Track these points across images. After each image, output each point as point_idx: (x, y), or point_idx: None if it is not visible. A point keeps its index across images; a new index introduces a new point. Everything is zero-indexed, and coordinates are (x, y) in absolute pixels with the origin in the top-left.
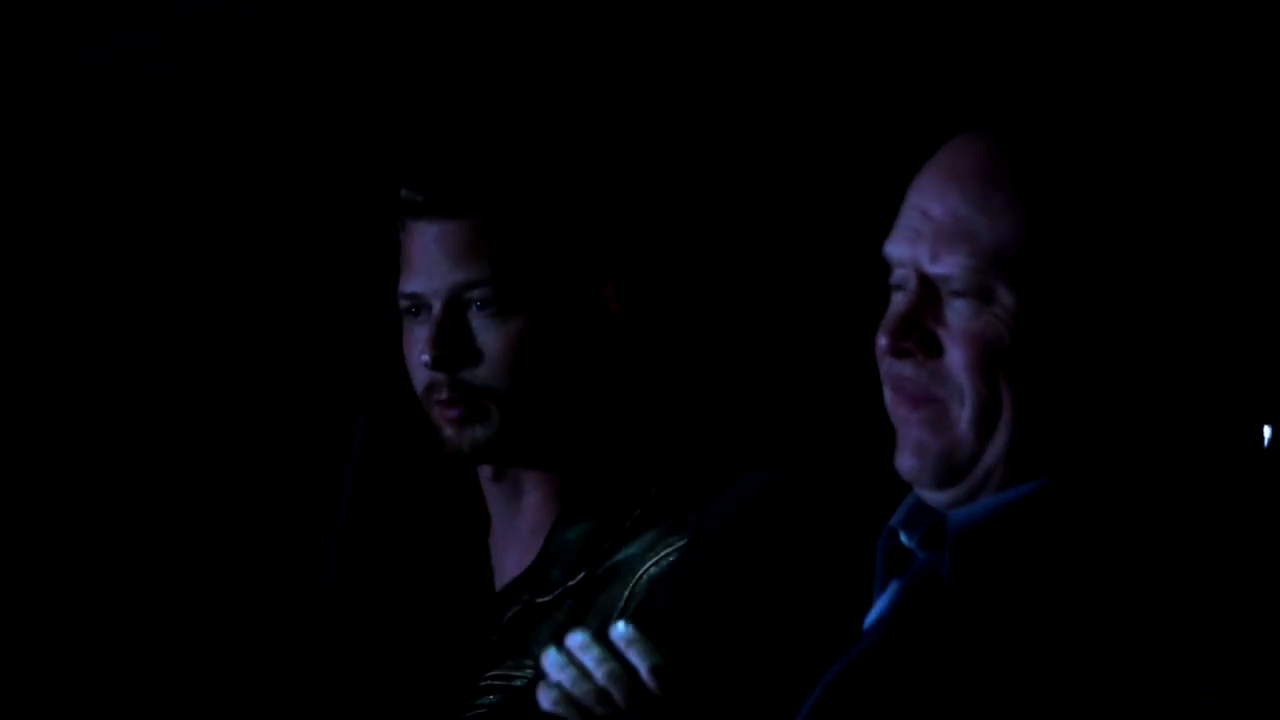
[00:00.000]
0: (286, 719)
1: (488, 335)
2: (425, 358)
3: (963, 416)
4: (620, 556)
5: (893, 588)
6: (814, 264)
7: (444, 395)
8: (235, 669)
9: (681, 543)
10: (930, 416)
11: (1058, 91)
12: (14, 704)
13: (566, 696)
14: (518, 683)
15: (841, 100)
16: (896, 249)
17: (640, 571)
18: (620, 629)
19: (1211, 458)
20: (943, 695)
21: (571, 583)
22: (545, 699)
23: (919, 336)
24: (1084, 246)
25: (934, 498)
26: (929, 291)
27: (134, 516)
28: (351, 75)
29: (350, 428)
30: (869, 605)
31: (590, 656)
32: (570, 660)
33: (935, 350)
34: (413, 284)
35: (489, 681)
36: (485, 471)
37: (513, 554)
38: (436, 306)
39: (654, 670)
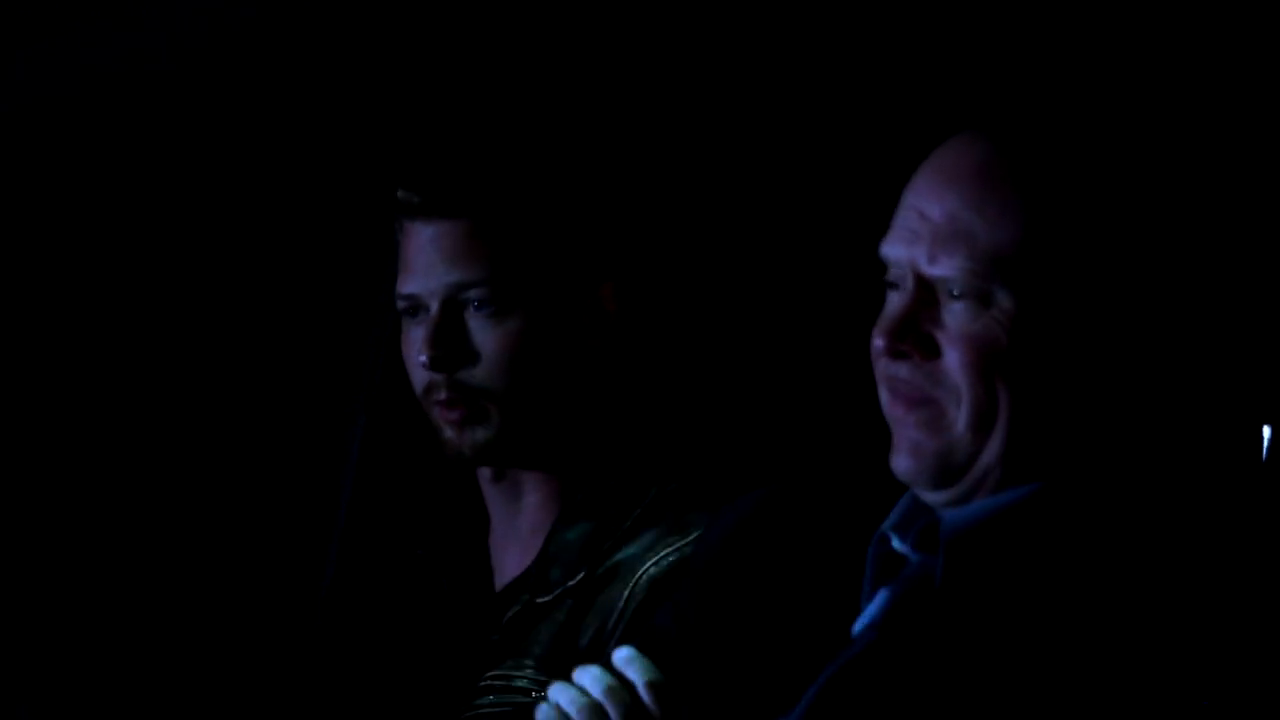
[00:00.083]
0: (286, 719)
1: (485, 335)
2: (422, 358)
3: (959, 418)
4: (620, 556)
5: (883, 593)
6: (811, 263)
7: (442, 395)
8: (235, 669)
9: (682, 542)
10: (926, 417)
11: (1056, 93)
12: (14, 704)
13: (563, 714)
14: (518, 683)
15: (839, 100)
16: (893, 250)
17: (640, 571)
18: (620, 652)
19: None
20: (936, 699)
21: (571, 583)
22: (541, 715)
23: (916, 338)
24: (1082, 249)
25: (930, 496)
26: (926, 293)
27: (134, 516)
28: (351, 75)
29: (350, 428)
30: (858, 613)
31: (589, 676)
32: (570, 684)
33: (932, 352)
34: (410, 285)
35: (489, 681)
36: (485, 472)
37: (513, 554)
38: (433, 307)
39: (650, 686)
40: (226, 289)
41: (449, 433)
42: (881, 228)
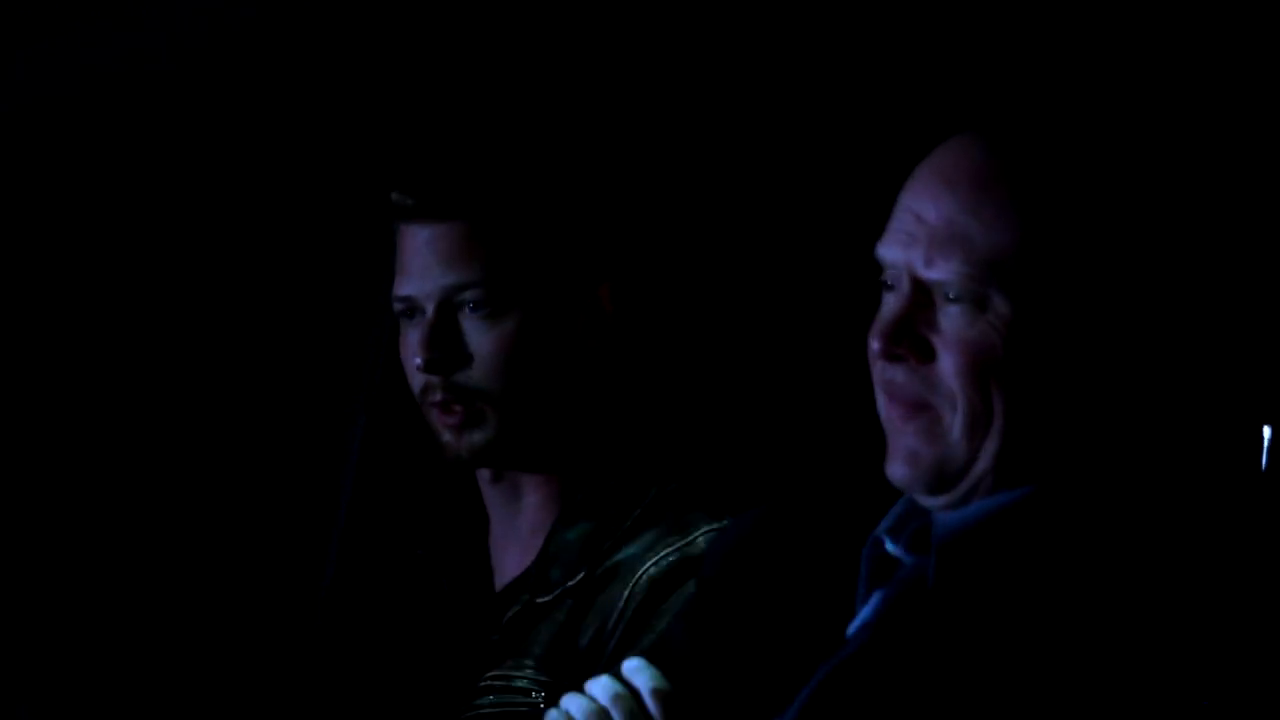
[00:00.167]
0: (286, 719)
1: (480, 337)
2: (418, 360)
3: (955, 425)
4: (620, 556)
5: (878, 595)
6: (809, 263)
7: (438, 397)
8: (235, 669)
9: (682, 542)
10: (924, 425)
11: (1053, 96)
12: (14, 704)
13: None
14: (518, 683)
15: (836, 102)
16: (890, 252)
17: (640, 571)
18: (630, 662)
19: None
20: (928, 699)
21: (571, 583)
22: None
23: (912, 341)
24: (1080, 254)
25: (926, 501)
26: (922, 295)
27: (134, 516)
28: (349, 76)
29: (350, 428)
30: (853, 616)
31: (598, 685)
32: (582, 693)
33: (928, 355)
34: (406, 287)
35: (489, 681)
36: (484, 473)
37: (512, 554)
38: (429, 309)
39: (654, 693)
40: (226, 289)
41: (447, 436)
42: (878, 229)
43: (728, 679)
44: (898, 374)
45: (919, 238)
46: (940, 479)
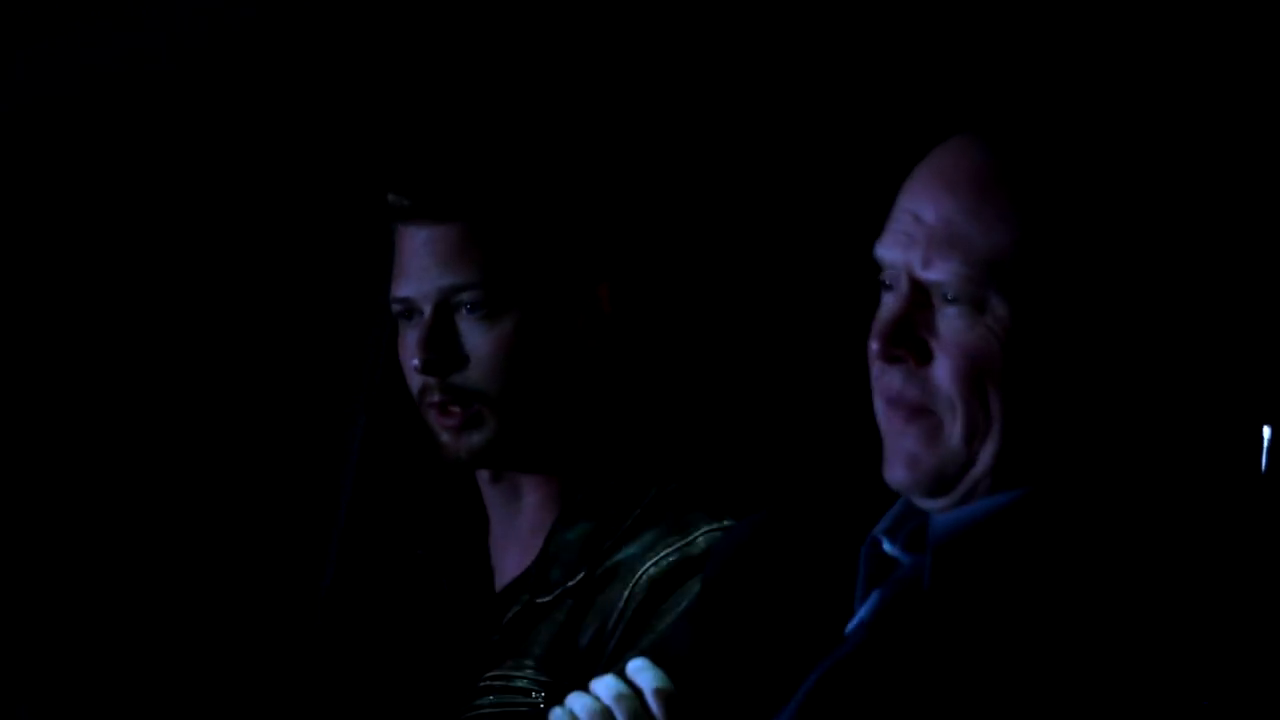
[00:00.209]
0: (286, 719)
1: (478, 338)
2: (416, 362)
3: (955, 431)
4: (620, 556)
5: (875, 594)
6: (807, 262)
7: (435, 398)
8: (235, 669)
9: (682, 542)
10: (924, 430)
11: (1053, 98)
12: (14, 704)
13: (574, 718)
14: (517, 683)
15: (834, 101)
16: (889, 252)
17: (640, 571)
18: (634, 662)
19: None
20: (922, 699)
21: (571, 583)
22: (554, 717)
23: (910, 343)
24: (1079, 257)
25: (924, 504)
26: (920, 296)
27: (134, 516)
28: (350, 76)
29: (350, 428)
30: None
31: (603, 684)
32: (586, 691)
33: (926, 358)
34: (403, 288)
35: (489, 681)
36: (484, 473)
37: (512, 554)
38: (427, 310)
39: (657, 693)
40: (226, 290)
41: (445, 437)
42: (877, 229)
43: (730, 679)
44: (896, 378)
45: (917, 238)
46: (939, 482)
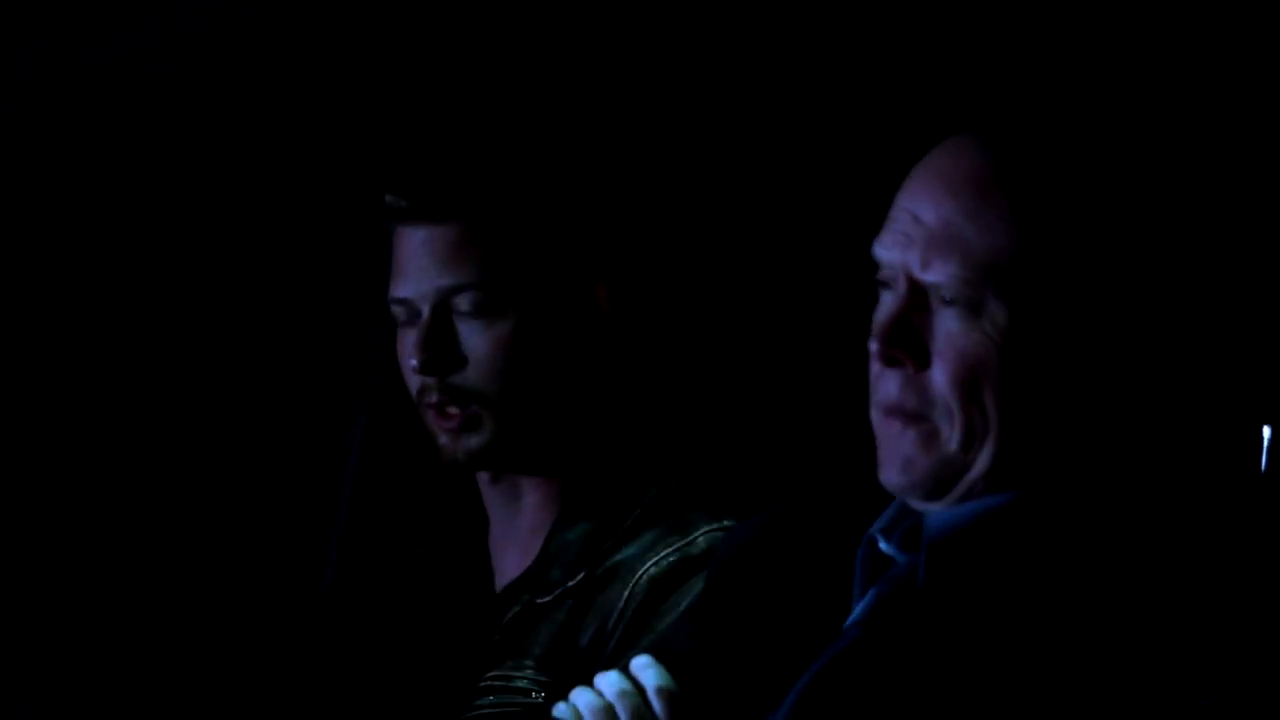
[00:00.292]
0: (286, 719)
1: (476, 339)
2: (414, 362)
3: (953, 437)
4: (620, 556)
5: (871, 593)
6: (806, 262)
7: (434, 399)
8: (235, 669)
9: (682, 542)
10: (921, 436)
11: (1054, 99)
12: (14, 704)
13: (577, 714)
14: (518, 683)
15: (834, 100)
16: (887, 252)
17: (640, 571)
18: (638, 659)
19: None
20: (916, 696)
21: (571, 583)
22: (558, 711)
23: (909, 344)
24: (1078, 260)
25: (920, 506)
26: (918, 297)
27: (134, 516)
28: (349, 76)
29: (350, 428)
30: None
31: (606, 680)
32: (590, 687)
33: (924, 362)
34: (402, 289)
35: (489, 682)
36: (484, 473)
37: (512, 554)
38: (425, 311)
39: (659, 691)
40: (226, 290)
41: (444, 439)
42: (877, 228)
43: (732, 679)
44: (892, 384)
45: (916, 239)
46: (935, 486)
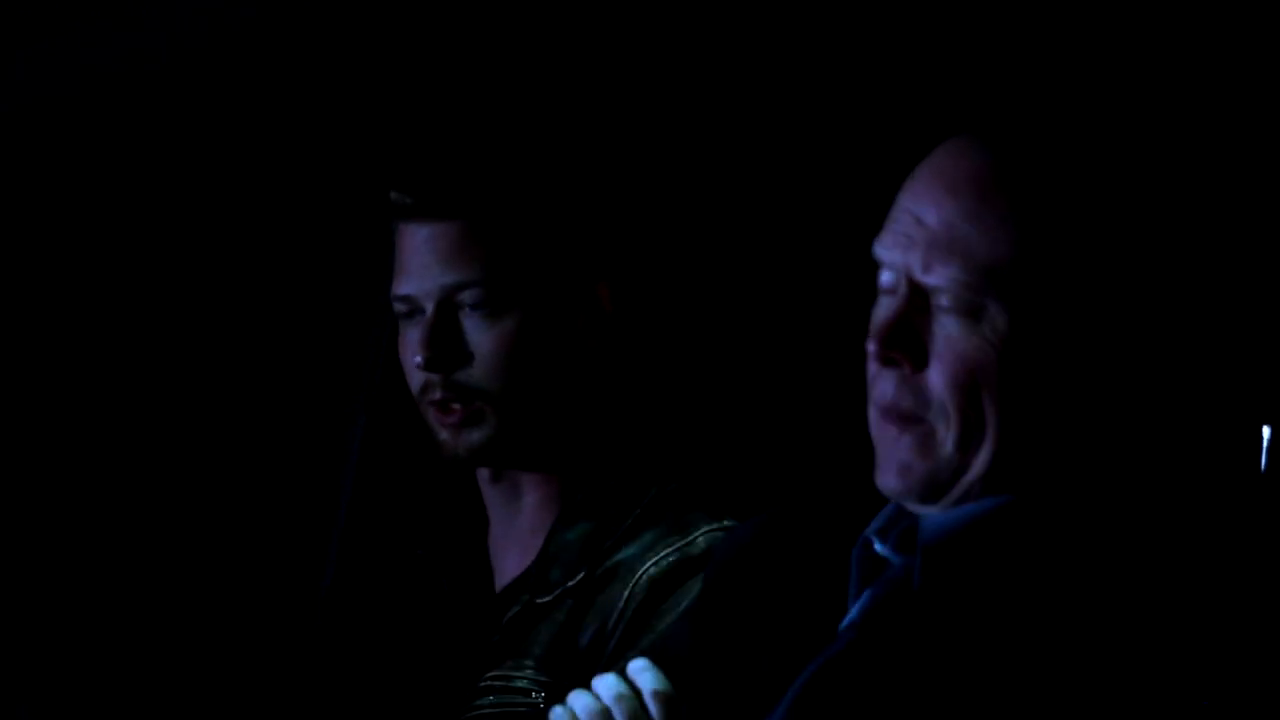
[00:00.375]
0: (286, 719)
1: (480, 336)
2: (418, 359)
3: (949, 440)
4: (620, 556)
5: (867, 594)
6: (807, 261)
7: (437, 396)
8: (235, 669)
9: (682, 542)
10: (917, 439)
11: (1055, 101)
12: (14, 704)
13: (574, 718)
14: (518, 683)
15: (835, 100)
16: (888, 253)
17: (640, 571)
18: (635, 662)
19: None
20: (911, 697)
21: (571, 583)
22: (554, 715)
23: (907, 345)
24: (1079, 265)
25: (916, 509)
26: (919, 299)
27: (134, 516)
28: (350, 75)
29: (350, 428)
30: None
31: (604, 683)
32: (588, 690)
33: (921, 364)
34: (405, 286)
35: (489, 682)
36: (484, 472)
37: (512, 554)
38: (429, 308)
39: (655, 695)
40: (226, 289)
41: (444, 435)
42: (877, 229)
43: (730, 681)
44: (890, 386)
45: (917, 241)
46: (931, 489)
